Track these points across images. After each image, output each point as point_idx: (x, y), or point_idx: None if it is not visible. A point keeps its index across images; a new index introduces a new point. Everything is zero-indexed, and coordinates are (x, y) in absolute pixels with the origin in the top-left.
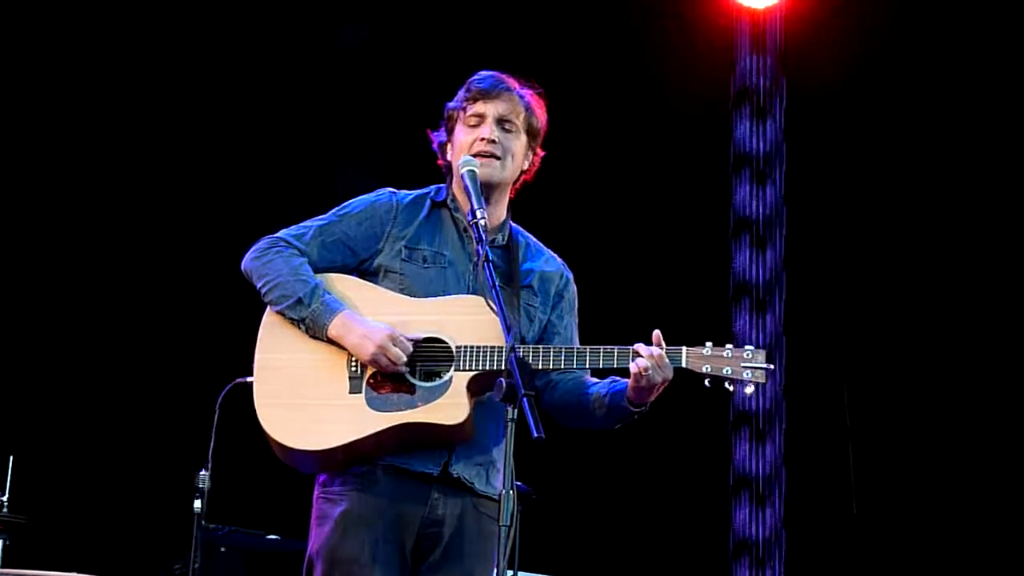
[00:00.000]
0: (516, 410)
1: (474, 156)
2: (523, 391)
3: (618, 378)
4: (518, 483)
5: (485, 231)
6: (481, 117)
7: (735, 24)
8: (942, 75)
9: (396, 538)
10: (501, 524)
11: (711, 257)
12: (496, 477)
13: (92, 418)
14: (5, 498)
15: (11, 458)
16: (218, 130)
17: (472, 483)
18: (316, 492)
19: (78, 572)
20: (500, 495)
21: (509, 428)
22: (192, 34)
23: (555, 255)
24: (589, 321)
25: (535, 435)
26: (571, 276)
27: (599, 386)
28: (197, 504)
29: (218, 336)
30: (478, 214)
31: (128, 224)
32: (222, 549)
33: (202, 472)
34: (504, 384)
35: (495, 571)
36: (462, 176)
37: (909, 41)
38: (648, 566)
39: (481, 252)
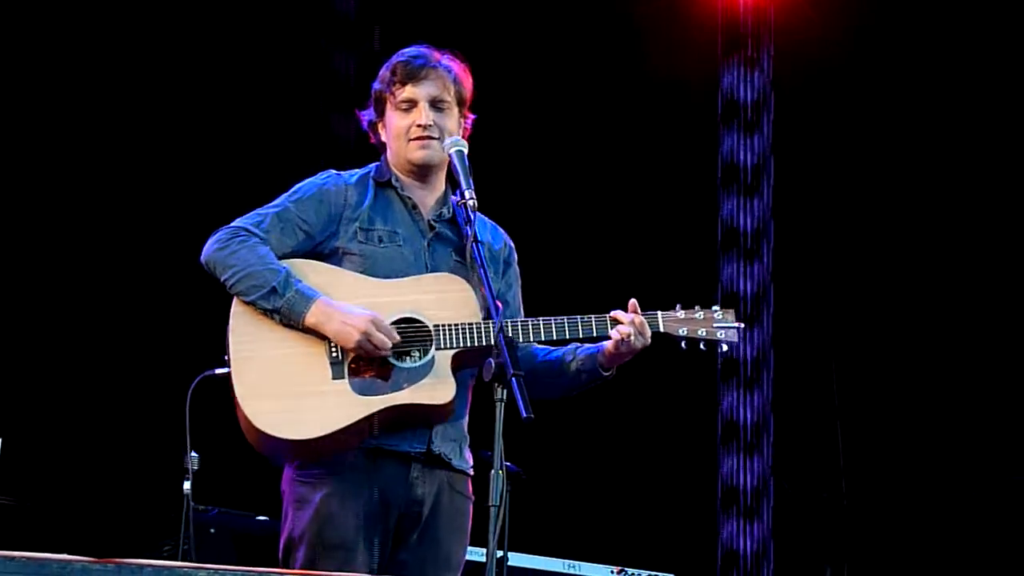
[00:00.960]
0: (505, 390)
1: (411, 141)
2: (512, 371)
3: (580, 344)
4: (507, 463)
5: (474, 212)
6: (412, 102)
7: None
8: (931, 40)
9: (379, 520)
10: (491, 504)
11: (699, 207)
12: (466, 451)
13: (80, 400)
14: None
15: None
16: (196, 116)
17: (450, 459)
18: (290, 475)
19: (67, 554)
20: (490, 475)
21: (498, 408)
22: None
23: (495, 224)
24: (576, 276)
25: (524, 416)
26: (513, 245)
27: (560, 352)
28: (187, 485)
29: (203, 316)
30: (467, 195)
31: (117, 212)
32: (211, 530)
33: (192, 454)
34: (493, 364)
35: (483, 552)
36: (450, 155)
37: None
38: (638, 534)
39: (470, 233)
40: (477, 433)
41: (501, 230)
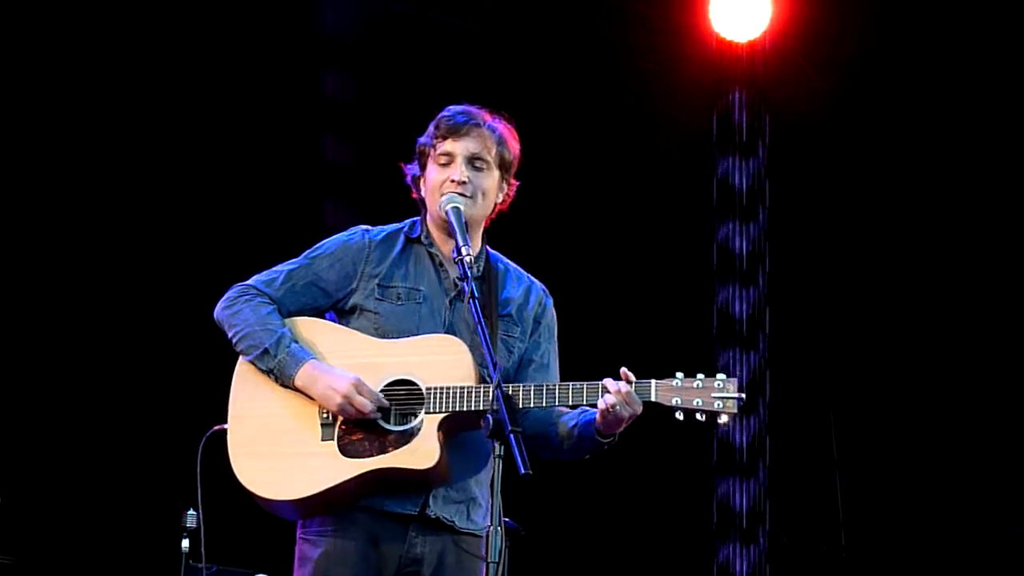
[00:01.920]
0: (503, 446)
1: (444, 195)
2: (510, 427)
3: (588, 408)
4: (505, 519)
5: (470, 268)
6: (451, 156)
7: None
8: (927, 65)
9: None
10: (489, 561)
11: (695, 231)
12: (478, 512)
13: (79, 458)
14: None
15: None
16: (196, 159)
17: (452, 521)
18: (297, 533)
19: None
20: (487, 531)
21: (496, 464)
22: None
23: (534, 280)
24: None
25: (522, 472)
26: (550, 302)
27: (568, 416)
28: (185, 544)
29: (206, 376)
30: (463, 251)
31: (124, 262)
32: None
33: (190, 512)
34: (491, 420)
35: None
36: (446, 212)
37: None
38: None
39: (467, 289)
40: None
41: (539, 285)
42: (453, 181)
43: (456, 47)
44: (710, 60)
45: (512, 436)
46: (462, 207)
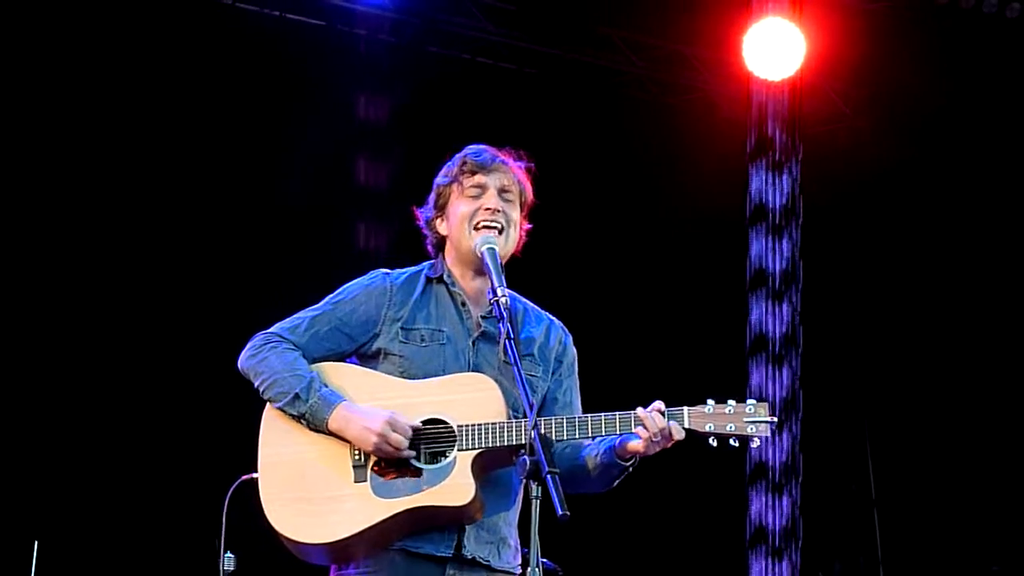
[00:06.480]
0: (540, 488)
1: (478, 227)
2: (547, 469)
3: (606, 437)
4: (544, 560)
5: (506, 309)
6: (482, 188)
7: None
8: (959, 131)
9: None
10: None
11: (728, 311)
12: (507, 552)
13: (117, 503)
14: None
15: (36, 543)
16: (227, 225)
17: (488, 561)
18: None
19: None
20: (523, 572)
21: (534, 506)
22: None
23: (553, 318)
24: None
25: (560, 513)
26: (570, 339)
27: (590, 448)
28: None
29: (234, 427)
30: (499, 292)
31: (151, 316)
32: None
33: (227, 554)
34: (528, 462)
35: None
36: (482, 254)
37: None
38: None
39: (503, 330)
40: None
41: (558, 323)
42: (487, 209)
43: (489, 91)
44: (744, 97)
45: (550, 478)
46: (497, 247)
